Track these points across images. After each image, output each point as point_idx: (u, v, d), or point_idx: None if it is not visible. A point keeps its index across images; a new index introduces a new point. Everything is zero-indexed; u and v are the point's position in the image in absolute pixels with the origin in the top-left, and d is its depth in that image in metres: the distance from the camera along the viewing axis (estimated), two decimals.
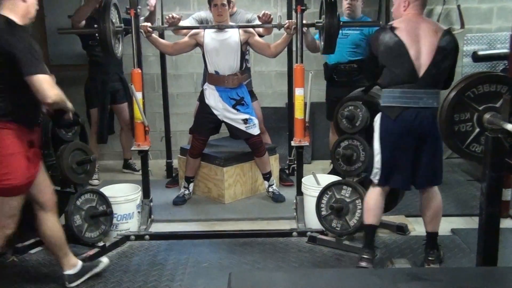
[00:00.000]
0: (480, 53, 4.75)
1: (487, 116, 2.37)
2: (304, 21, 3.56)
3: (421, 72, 2.83)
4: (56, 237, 2.77)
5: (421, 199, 3.07)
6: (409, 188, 3.08)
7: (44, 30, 5.14)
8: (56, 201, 2.78)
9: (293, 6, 3.59)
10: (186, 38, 3.94)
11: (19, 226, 2.67)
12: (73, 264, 2.83)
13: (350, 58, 4.20)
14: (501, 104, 2.34)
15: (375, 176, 2.98)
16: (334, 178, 3.52)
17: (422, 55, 2.84)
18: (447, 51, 2.87)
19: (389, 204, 3.39)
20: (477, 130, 2.42)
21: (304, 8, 3.50)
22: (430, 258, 3.02)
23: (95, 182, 4.54)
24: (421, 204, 3.07)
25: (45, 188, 2.72)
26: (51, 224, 2.75)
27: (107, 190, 3.48)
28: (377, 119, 2.96)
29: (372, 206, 3.00)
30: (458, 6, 5.00)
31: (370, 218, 3.00)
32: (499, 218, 2.28)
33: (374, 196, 2.99)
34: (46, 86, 2.43)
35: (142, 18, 3.88)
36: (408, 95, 2.80)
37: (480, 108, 2.40)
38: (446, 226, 3.43)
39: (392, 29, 2.88)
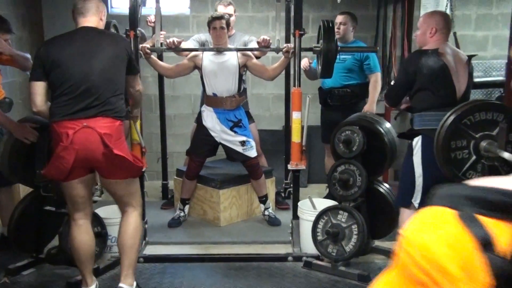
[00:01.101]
0: (476, 80, 4.79)
1: (483, 143, 2.39)
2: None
3: (459, 95, 2.98)
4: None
5: None
6: None
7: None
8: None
9: (292, 31, 3.63)
10: (185, 61, 3.97)
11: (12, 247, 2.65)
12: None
13: (343, 82, 4.25)
14: (497, 132, 2.37)
15: (416, 199, 3.03)
16: (331, 202, 3.51)
17: (460, 79, 3.00)
18: (472, 77, 3.08)
19: (386, 229, 3.40)
20: (474, 157, 2.44)
21: (302, 32, 3.53)
22: None
23: (96, 198, 4.50)
24: None
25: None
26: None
27: (101, 211, 3.46)
28: (417, 142, 3.00)
29: None
30: (454, 34, 5.05)
31: None
32: None
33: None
34: None
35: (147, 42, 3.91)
36: None
37: (477, 136, 2.42)
38: None
39: (436, 53, 2.98)
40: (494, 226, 0.58)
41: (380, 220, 3.35)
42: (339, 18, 4.30)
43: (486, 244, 0.56)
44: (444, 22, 3.11)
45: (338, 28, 4.26)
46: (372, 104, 4.21)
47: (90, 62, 2.73)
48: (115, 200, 2.96)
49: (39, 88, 2.75)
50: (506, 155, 2.24)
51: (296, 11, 3.50)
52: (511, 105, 3.53)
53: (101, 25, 2.93)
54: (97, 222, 3.28)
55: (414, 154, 3.02)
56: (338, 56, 3.67)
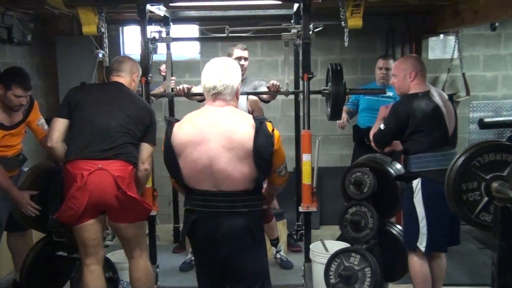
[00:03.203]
0: (486, 120, 4.81)
1: (494, 185, 2.37)
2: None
3: (449, 134, 3.08)
4: None
5: (433, 262, 3.17)
6: (447, 250, 3.17)
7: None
8: None
9: (300, 74, 3.68)
10: None
11: None
12: None
13: None
14: (508, 172, 2.35)
15: (422, 243, 3.04)
16: (343, 244, 3.48)
17: (450, 118, 3.08)
18: (456, 114, 3.17)
19: (399, 272, 3.35)
20: (486, 199, 2.42)
21: (310, 76, 3.58)
22: None
23: (108, 242, 4.49)
24: (434, 266, 3.17)
25: None
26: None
27: (113, 256, 3.45)
28: (417, 184, 3.04)
29: (424, 275, 3.09)
30: (463, 74, 5.11)
31: None
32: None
33: (420, 266, 3.09)
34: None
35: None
36: (449, 156, 2.86)
37: (487, 177, 2.40)
38: None
39: (427, 96, 3.05)
40: None
41: (394, 262, 3.31)
42: (385, 63, 4.41)
43: None
44: (421, 65, 3.20)
45: (384, 74, 4.40)
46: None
47: (113, 111, 2.84)
48: (122, 244, 2.97)
49: (60, 125, 2.86)
50: None
51: (304, 55, 3.56)
52: None
53: (133, 86, 3.10)
54: (109, 267, 3.27)
55: (415, 197, 3.06)
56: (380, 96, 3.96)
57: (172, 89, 3.83)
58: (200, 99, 4.04)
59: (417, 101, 3.05)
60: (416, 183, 3.07)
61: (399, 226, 3.47)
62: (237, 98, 2.42)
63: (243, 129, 2.27)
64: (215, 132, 2.26)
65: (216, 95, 2.31)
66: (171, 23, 4.54)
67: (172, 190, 4.81)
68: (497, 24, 4.76)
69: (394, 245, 3.33)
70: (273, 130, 2.33)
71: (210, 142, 2.26)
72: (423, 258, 3.11)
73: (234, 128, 2.27)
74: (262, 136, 2.26)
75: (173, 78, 4.04)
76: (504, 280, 2.21)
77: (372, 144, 3.33)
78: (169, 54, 3.77)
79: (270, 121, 2.36)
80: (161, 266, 3.77)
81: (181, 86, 3.86)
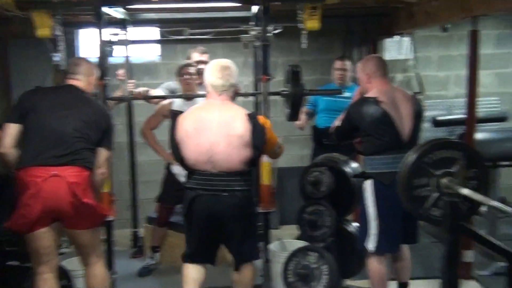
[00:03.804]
0: (439, 118, 4.94)
1: (444, 180, 2.44)
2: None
3: (405, 137, 3.09)
4: None
5: (396, 256, 3.28)
6: (396, 251, 3.24)
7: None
8: None
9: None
10: (155, 114, 4.02)
11: None
12: None
13: None
14: (456, 168, 2.43)
15: (372, 243, 3.11)
16: (303, 243, 3.51)
17: (404, 121, 3.09)
18: (419, 114, 3.18)
19: (356, 268, 3.41)
20: (435, 194, 2.48)
21: (269, 77, 3.61)
22: None
23: (65, 250, 4.41)
24: (398, 260, 3.29)
25: None
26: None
27: (68, 263, 3.38)
28: (368, 186, 3.12)
29: (380, 276, 3.17)
30: (418, 74, 5.23)
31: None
32: (458, 280, 2.30)
33: (376, 266, 3.15)
34: None
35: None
36: (399, 160, 2.84)
37: (437, 173, 2.47)
38: None
39: (375, 101, 3.08)
40: None
41: (350, 259, 3.37)
42: (342, 64, 4.50)
43: None
44: (375, 66, 3.23)
45: (341, 75, 4.47)
46: None
47: (69, 115, 2.78)
48: (78, 251, 2.92)
49: (12, 130, 2.79)
50: (465, 191, 2.30)
51: (263, 57, 3.58)
52: (470, 142, 3.65)
53: (89, 89, 3.04)
54: (64, 275, 3.20)
55: (367, 197, 3.14)
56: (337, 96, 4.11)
57: (131, 92, 3.80)
58: (157, 101, 4.02)
59: (366, 106, 3.10)
60: (368, 184, 3.14)
61: (355, 224, 3.52)
62: (235, 96, 2.93)
63: (240, 122, 2.74)
64: (216, 122, 2.74)
65: (221, 92, 2.82)
66: (129, 26, 4.48)
67: (131, 195, 4.76)
68: (449, 25, 4.89)
69: (350, 243, 3.38)
70: (264, 122, 2.84)
71: (211, 130, 2.73)
72: (380, 257, 3.16)
73: (232, 120, 2.74)
74: (257, 129, 2.75)
75: (131, 81, 4.01)
76: (453, 271, 2.29)
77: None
78: (126, 57, 3.74)
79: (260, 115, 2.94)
80: (119, 272, 3.72)
81: (140, 89, 3.83)
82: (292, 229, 4.90)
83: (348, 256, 3.36)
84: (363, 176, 3.20)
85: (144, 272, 4.03)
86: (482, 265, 3.95)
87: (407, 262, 3.32)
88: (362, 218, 3.20)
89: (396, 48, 5.42)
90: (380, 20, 5.13)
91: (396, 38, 5.33)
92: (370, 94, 3.17)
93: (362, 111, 3.12)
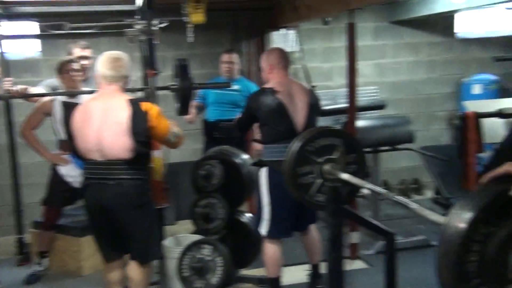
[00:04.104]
0: (325, 108, 5.15)
1: (326, 167, 2.55)
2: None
3: (299, 127, 3.20)
4: None
5: (305, 240, 3.44)
6: (292, 235, 3.38)
7: None
8: None
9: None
10: (35, 112, 3.81)
11: None
12: None
13: (230, 115, 4.39)
14: (337, 155, 2.55)
15: (265, 228, 3.24)
16: (198, 237, 3.51)
17: (298, 112, 3.22)
18: (315, 106, 3.32)
19: (251, 258, 3.47)
20: (319, 180, 2.59)
21: (156, 72, 3.55)
22: None
23: None
24: (306, 244, 3.44)
25: None
26: None
27: None
28: (263, 173, 3.23)
29: (273, 259, 3.27)
30: (305, 66, 5.41)
31: (274, 272, 3.28)
32: (342, 261, 2.42)
33: (271, 249, 3.26)
34: None
35: None
36: None
37: (320, 160, 2.58)
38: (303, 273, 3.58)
39: (272, 92, 3.19)
40: None
41: (245, 249, 3.43)
42: (229, 57, 4.53)
43: None
44: (278, 58, 3.35)
45: (229, 68, 4.50)
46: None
47: None
48: None
49: None
50: (345, 176, 2.42)
51: (149, 52, 3.52)
52: (352, 130, 3.85)
53: None
54: None
55: (261, 184, 3.26)
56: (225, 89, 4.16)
57: (8, 91, 3.56)
58: (37, 99, 3.82)
59: (263, 97, 3.23)
60: (262, 172, 3.25)
61: (249, 214, 3.59)
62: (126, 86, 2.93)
63: (122, 108, 2.74)
64: (101, 110, 2.75)
65: (111, 82, 2.83)
66: (4, 20, 4.19)
67: (14, 199, 4.47)
68: (330, 19, 5.11)
69: (244, 233, 3.44)
70: (148, 108, 2.81)
71: (97, 119, 2.75)
72: (275, 242, 3.27)
73: (115, 108, 2.75)
74: (137, 115, 2.73)
75: (8, 79, 3.76)
76: (337, 253, 2.41)
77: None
78: (1, 53, 3.50)
79: (148, 101, 2.95)
80: (4, 281, 3.52)
81: (18, 87, 3.61)
82: (189, 224, 4.90)
83: (242, 246, 3.42)
84: (260, 164, 3.31)
85: (32, 280, 3.82)
86: (368, 245, 4.20)
87: (315, 244, 3.44)
88: (258, 205, 3.32)
89: (283, 41, 5.56)
90: (267, 13, 5.24)
91: (283, 31, 5.48)
92: (268, 85, 3.29)
93: (259, 101, 3.24)
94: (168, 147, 3.10)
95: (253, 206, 4.89)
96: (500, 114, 3.67)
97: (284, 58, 3.38)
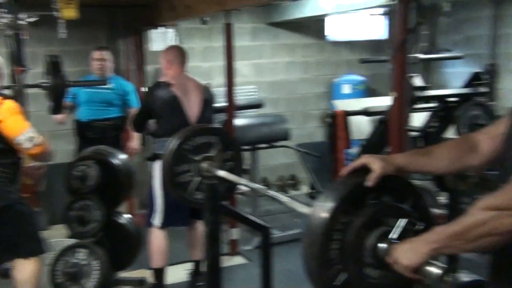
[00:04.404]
0: None
1: (204, 165, 2.59)
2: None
3: (193, 121, 3.33)
4: None
5: (190, 235, 3.51)
6: (188, 224, 3.47)
7: None
8: None
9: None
10: None
11: None
12: None
13: (104, 115, 4.28)
14: (214, 153, 2.59)
15: (157, 219, 3.34)
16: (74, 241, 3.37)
17: (192, 107, 3.34)
18: (209, 102, 3.45)
19: (129, 259, 3.41)
20: (197, 178, 2.62)
21: (24, 69, 3.37)
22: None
23: None
24: (191, 239, 3.52)
25: None
26: None
27: None
28: (157, 166, 3.25)
29: (159, 249, 3.34)
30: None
31: (159, 262, 3.35)
32: (220, 257, 2.47)
33: (158, 239, 3.34)
34: None
35: None
36: None
37: (198, 158, 2.60)
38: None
39: (167, 85, 3.32)
40: None
41: (123, 251, 3.35)
42: (100, 55, 4.41)
43: None
44: (176, 54, 3.47)
45: (101, 65, 4.36)
46: (134, 140, 4.32)
47: None
48: None
49: None
50: (222, 173, 2.47)
51: (16, 47, 3.32)
52: (230, 128, 3.93)
53: None
54: None
55: (154, 177, 3.33)
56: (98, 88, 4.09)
57: None
58: None
59: (159, 90, 3.33)
60: (156, 165, 3.29)
61: (128, 215, 3.52)
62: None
63: None
64: None
65: None
66: None
67: None
68: (208, 18, 5.15)
69: (122, 234, 3.36)
70: (4, 103, 2.69)
71: None
72: (161, 233, 3.37)
73: None
74: None
75: None
76: (215, 249, 2.45)
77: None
78: None
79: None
80: None
81: None
82: (64, 229, 4.67)
83: (121, 248, 3.33)
84: (153, 157, 3.37)
85: None
86: (248, 241, 4.32)
87: (200, 239, 3.45)
88: (150, 197, 3.40)
89: (162, 39, 5.52)
90: (144, 11, 5.16)
91: (161, 29, 5.43)
92: (164, 79, 3.40)
93: (155, 94, 3.34)
94: (25, 154, 2.85)
95: (133, 206, 4.82)
96: (365, 112, 3.95)
97: (181, 55, 3.52)
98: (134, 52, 5.30)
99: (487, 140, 1.43)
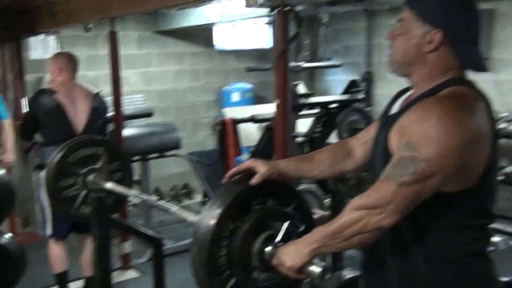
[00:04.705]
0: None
1: (90, 178, 2.51)
2: None
3: (79, 130, 3.26)
4: None
5: (82, 248, 3.46)
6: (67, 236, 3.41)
7: None
8: None
9: None
10: None
11: None
12: None
13: None
14: (100, 164, 2.52)
15: (49, 229, 3.30)
16: None
17: (79, 115, 3.29)
18: (99, 111, 3.40)
19: (10, 282, 3.20)
20: (84, 192, 2.53)
21: None
22: None
23: None
24: (83, 254, 3.46)
25: None
26: None
27: None
28: (43, 176, 3.01)
29: (57, 256, 3.35)
30: None
31: (58, 267, 3.37)
32: (110, 273, 2.41)
33: (56, 249, 3.37)
34: None
35: None
36: None
37: (83, 171, 2.51)
38: None
39: (51, 92, 3.25)
40: None
41: (4, 273, 3.13)
42: None
43: None
44: (66, 61, 3.42)
45: None
46: (9, 153, 4.03)
47: None
48: None
49: None
50: (108, 185, 2.41)
51: None
52: (118, 139, 3.84)
53: None
54: None
55: (42, 186, 3.16)
56: None
57: None
58: None
59: (43, 97, 3.26)
60: (43, 173, 3.07)
61: (8, 234, 3.29)
62: None
63: None
64: None
65: None
66: None
67: None
68: (91, 26, 4.99)
69: (4, 255, 3.14)
70: None
71: None
72: (57, 241, 3.33)
73: None
74: None
75: None
76: (104, 264, 2.38)
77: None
78: None
79: None
80: None
81: None
82: None
83: (1, 271, 3.11)
84: (40, 167, 3.32)
85: None
86: (141, 253, 4.22)
87: (89, 256, 3.35)
88: (41, 209, 3.43)
89: (42, 47, 5.26)
90: (23, 17, 4.88)
91: (41, 37, 5.17)
92: (50, 86, 3.34)
93: (39, 101, 3.27)
94: None
95: (14, 224, 4.53)
96: (253, 119, 4.05)
97: (72, 62, 3.46)
98: (12, 60, 4.99)
99: (360, 146, 1.54)
